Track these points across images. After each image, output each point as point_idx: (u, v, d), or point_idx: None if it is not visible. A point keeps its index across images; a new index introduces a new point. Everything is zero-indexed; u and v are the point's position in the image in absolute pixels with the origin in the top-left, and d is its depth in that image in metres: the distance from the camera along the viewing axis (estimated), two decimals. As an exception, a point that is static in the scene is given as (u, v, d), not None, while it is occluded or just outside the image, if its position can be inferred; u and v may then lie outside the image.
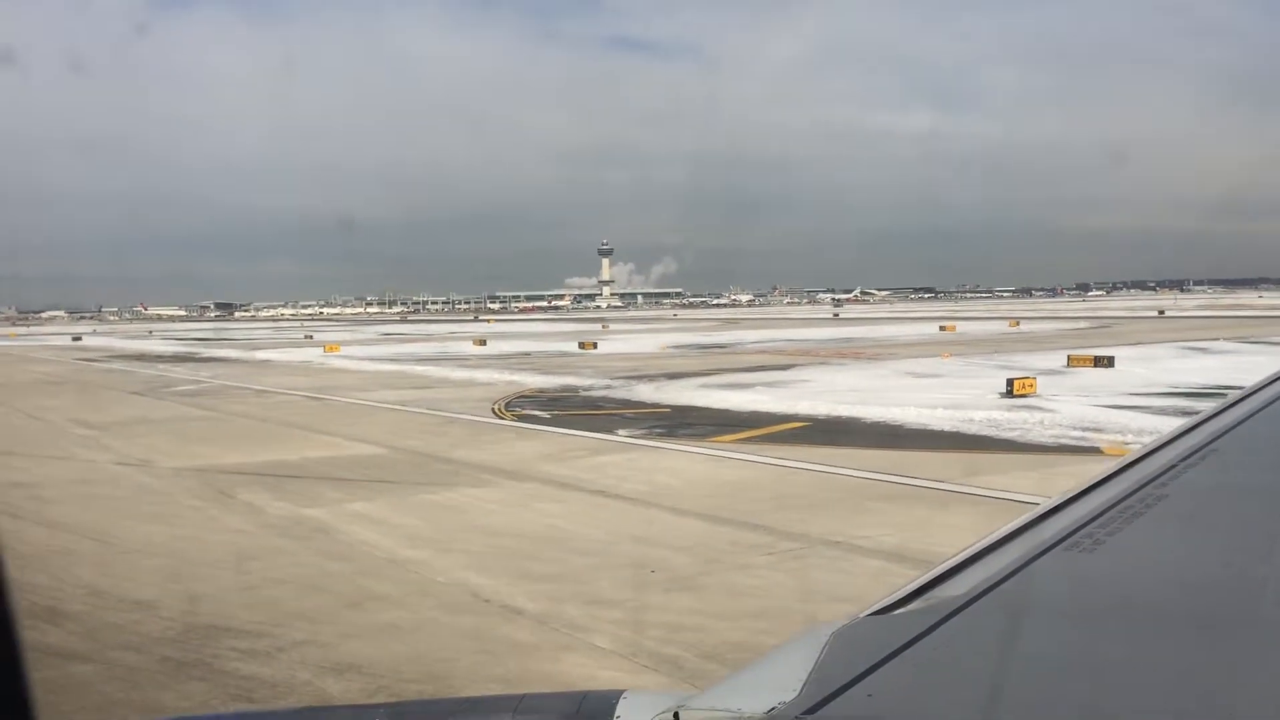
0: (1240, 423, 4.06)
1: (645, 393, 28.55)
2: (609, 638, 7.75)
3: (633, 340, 65.58)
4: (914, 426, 20.03)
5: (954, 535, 10.67)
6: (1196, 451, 3.46)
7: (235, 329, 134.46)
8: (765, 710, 1.55)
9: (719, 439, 18.88)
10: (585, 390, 30.25)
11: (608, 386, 31.22)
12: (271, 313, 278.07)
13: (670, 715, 1.58)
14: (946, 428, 19.77)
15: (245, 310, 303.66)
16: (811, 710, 1.55)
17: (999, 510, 11.91)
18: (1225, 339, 50.07)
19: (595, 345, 55.68)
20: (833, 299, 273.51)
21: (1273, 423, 4.23)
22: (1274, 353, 40.55)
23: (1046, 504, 2.74)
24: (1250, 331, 56.83)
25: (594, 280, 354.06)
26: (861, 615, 1.95)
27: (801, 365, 38.82)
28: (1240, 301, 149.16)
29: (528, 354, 52.81)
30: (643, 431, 20.30)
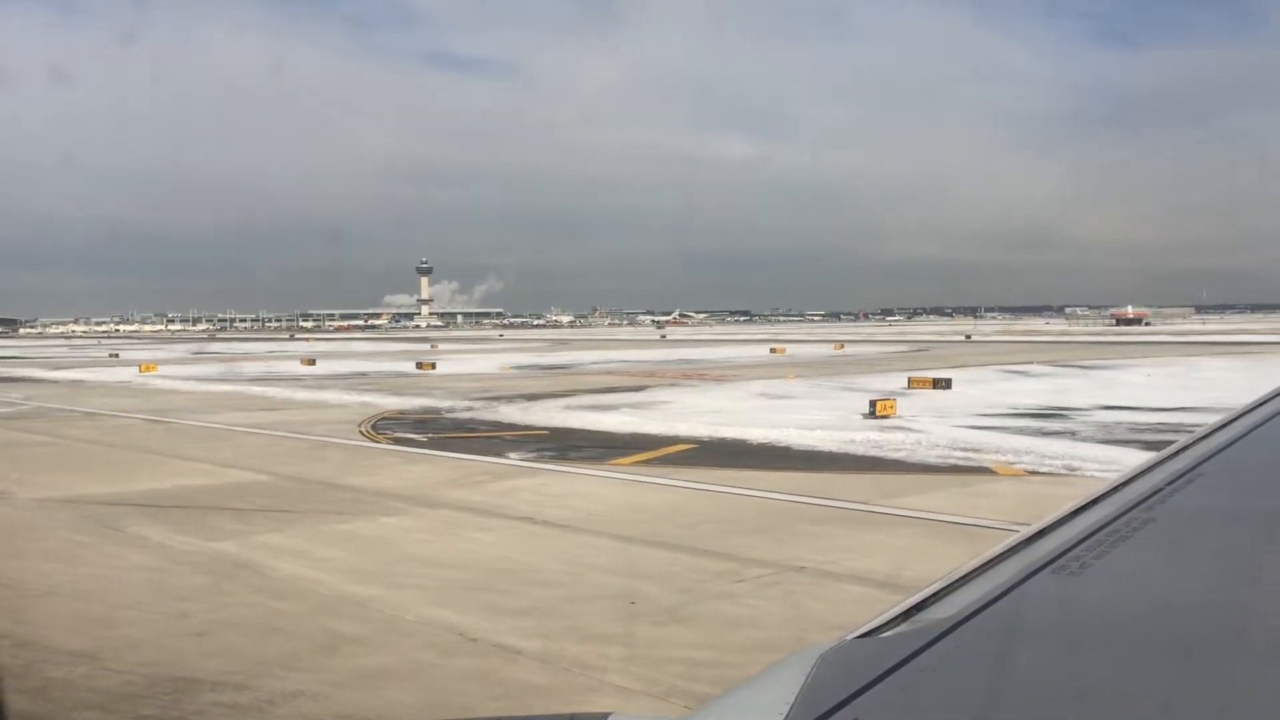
0: (1226, 447, 4.16)
1: (512, 414, 27.98)
2: (627, 676, 7.36)
3: (469, 361, 64.51)
4: (802, 448, 20.27)
5: (917, 560, 10.78)
6: (1183, 475, 3.51)
7: (25, 346, 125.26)
8: None
9: (616, 461, 18.61)
10: (448, 412, 29.42)
11: (469, 408, 30.49)
12: (62, 329, 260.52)
13: None
14: (833, 449, 20.09)
15: (31, 326, 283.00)
16: None
17: (943, 532, 12.12)
18: (1038, 363, 53.33)
19: (434, 366, 54.58)
20: (652, 320, 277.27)
21: (1259, 447, 4.34)
22: (1085, 376, 43.44)
23: (1033, 527, 2.72)
24: (1056, 356, 60.75)
25: (414, 299, 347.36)
26: (848, 638, 1.94)
27: (654, 387, 38.96)
28: (1031, 327, 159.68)
29: (364, 374, 51.20)
30: (533, 454, 19.82)
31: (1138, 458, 18.55)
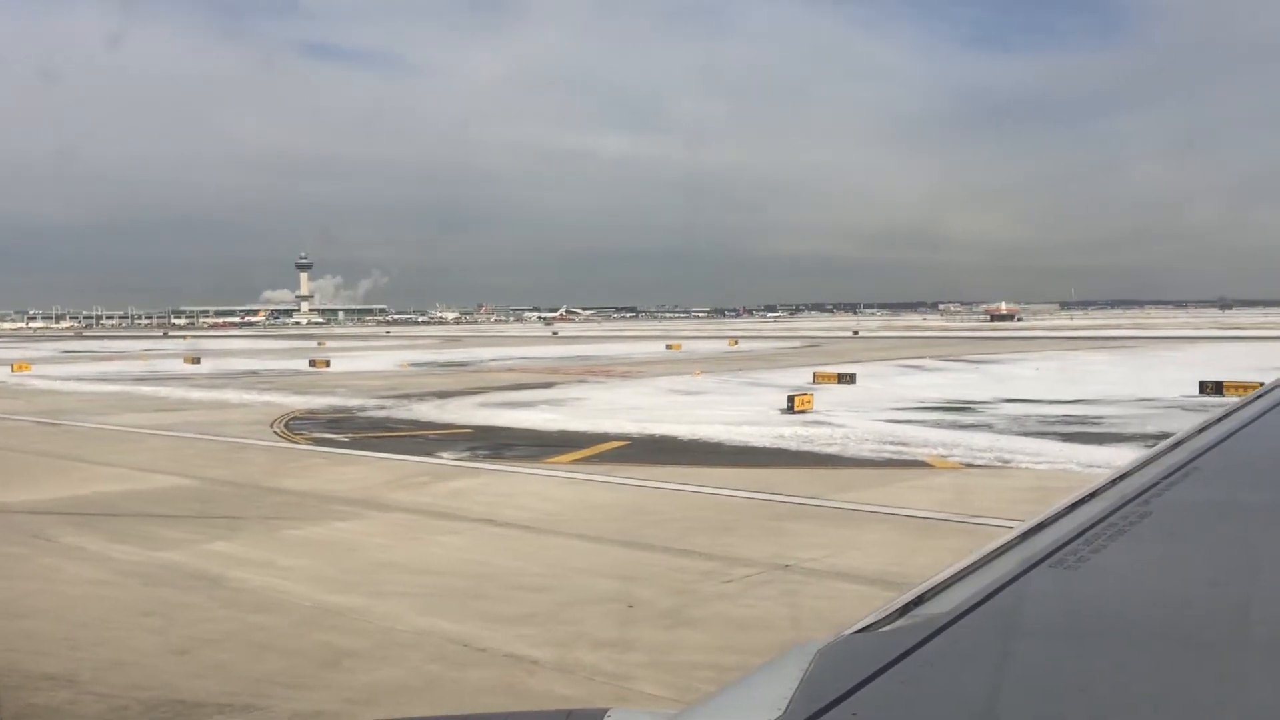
0: (1221, 441, 4.26)
1: (429, 413, 27.39)
2: (656, 684, 7.14)
3: (363, 358, 63.04)
4: (734, 444, 20.28)
5: (897, 555, 10.83)
6: (1179, 469, 3.58)
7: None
8: None
9: (553, 460, 18.30)
10: (360, 410, 28.63)
11: (381, 406, 29.74)
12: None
13: None
14: (765, 444, 20.14)
15: None
16: None
17: (907, 526, 12.21)
18: (929, 357, 54.79)
19: (329, 364, 53.15)
20: (539, 317, 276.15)
21: (1253, 441, 4.46)
22: (978, 370, 44.79)
23: (1030, 521, 2.76)
24: (943, 351, 62.57)
25: (293, 295, 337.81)
26: (847, 633, 1.96)
27: (562, 383, 38.65)
28: (911, 324, 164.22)
29: (256, 372, 49.56)
30: (465, 453, 19.37)
31: (1059, 449, 19.10)
